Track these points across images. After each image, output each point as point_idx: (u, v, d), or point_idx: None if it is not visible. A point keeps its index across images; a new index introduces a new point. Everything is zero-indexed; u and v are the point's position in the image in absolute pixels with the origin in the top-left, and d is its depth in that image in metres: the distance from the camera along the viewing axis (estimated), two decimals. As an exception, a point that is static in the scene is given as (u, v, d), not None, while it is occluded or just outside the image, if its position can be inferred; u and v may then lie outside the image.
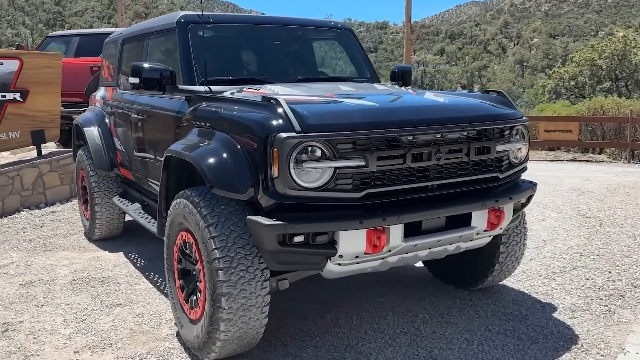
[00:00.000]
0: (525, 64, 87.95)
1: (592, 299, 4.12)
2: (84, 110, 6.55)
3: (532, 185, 3.66)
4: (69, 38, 11.03)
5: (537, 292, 4.24)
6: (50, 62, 8.30)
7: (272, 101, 2.91)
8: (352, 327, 3.67)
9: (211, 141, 3.16)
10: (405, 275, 4.66)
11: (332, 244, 2.87)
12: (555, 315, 3.85)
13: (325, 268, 3.00)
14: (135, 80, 3.82)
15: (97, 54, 7.74)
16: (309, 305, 3.99)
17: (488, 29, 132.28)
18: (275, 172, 2.76)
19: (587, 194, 7.82)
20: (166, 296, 4.08)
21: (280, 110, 2.84)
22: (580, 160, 12.64)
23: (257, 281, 2.98)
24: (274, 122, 2.81)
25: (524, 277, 4.56)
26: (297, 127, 2.76)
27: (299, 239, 2.82)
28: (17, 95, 7.83)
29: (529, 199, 3.65)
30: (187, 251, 3.27)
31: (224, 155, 2.99)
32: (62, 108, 8.91)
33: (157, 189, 3.87)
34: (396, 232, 2.96)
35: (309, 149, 2.76)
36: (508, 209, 3.39)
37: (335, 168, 2.80)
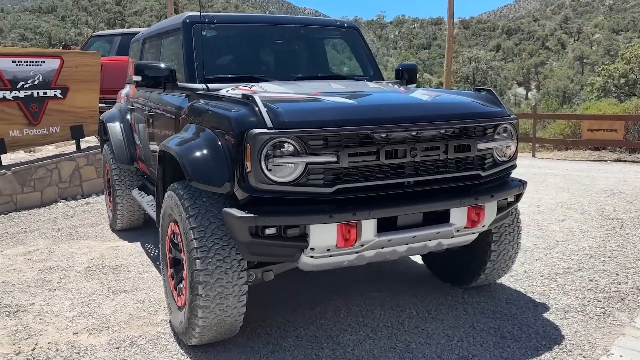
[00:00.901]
0: (585, 60, 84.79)
1: (589, 301, 4.05)
2: None
3: (521, 183, 3.63)
4: (112, 37, 11.53)
5: (533, 292, 4.20)
6: (89, 61, 8.75)
7: (249, 99, 3.03)
8: (338, 319, 3.75)
9: (197, 136, 3.32)
10: (404, 272, 4.71)
11: (303, 237, 2.97)
12: (546, 315, 3.81)
13: (300, 260, 3.11)
14: (138, 78, 4.03)
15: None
16: (301, 298, 4.10)
17: (547, 24, 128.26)
18: (248, 166, 2.89)
19: (618, 195, 7.58)
20: (169, 284, 4.28)
21: (255, 108, 2.96)
22: (625, 161, 12.18)
23: (234, 271, 3.11)
24: (248, 119, 2.93)
25: (524, 276, 4.52)
26: (269, 124, 2.87)
27: (270, 231, 2.93)
28: (58, 92, 8.29)
29: (517, 197, 3.63)
30: (176, 241, 3.45)
31: (205, 150, 3.14)
32: (102, 104, 9.35)
33: None
34: (368, 227, 3.02)
35: (281, 144, 2.87)
36: (490, 206, 3.39)
37: (307, 163, 2.90)
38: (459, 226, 3.31)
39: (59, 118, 8.32)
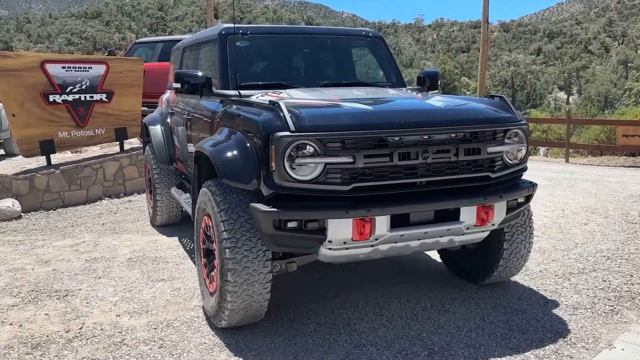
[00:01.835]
0: (629, 64, 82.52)
1: (599, 299, 4.22)
2: None
3: (531, 185, 3.85)
4: (154, 44, 12.08)
5: (545, 290, 4.40)
6: (133, 67, 9.25)
7: (275, 105, 3.36)
8: (356, 309, 4.04)
9: (229, 139, 3.66)
10: (424, 269, 4.96)
11: (322, 231, 3.27)
12: (555, 311, 4.01)
13: (319, 252, 3.41)
14: (178, 85, 4.41)
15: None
16: (324, 290, 4.40)
17: (590, 27, 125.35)
18: (273, 166, 3.21)
19: (645, 201, 7.62)
20: (203, 275, 4.65)
21: (280, 113, 3.28)
22: (661, 167, 12.07)
23: (260, 260, 3.43)
24: (274, 123, 3.25)
25: (539, 275, 4.71)
26: (292, 127, 3.18)
27: (292, 224, 3.25)
28: (104, 96, 8.80)
29: (527, 198, 3.85)
30: (209, 233, 3.80)
31: (235, 151, 3.47)
32: (145, 108, 9.85)
33: None
34: (382, 222, 3.30)
35: (302, 146, 3.18)
36: (499, 206, 3.62)
37: (326, 164, 3.20)
38: (469, 224, 3.55)
39: (104, 121, 8.82)
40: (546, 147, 15.43)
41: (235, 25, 4.71)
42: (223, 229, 3.41)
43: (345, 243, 3.32)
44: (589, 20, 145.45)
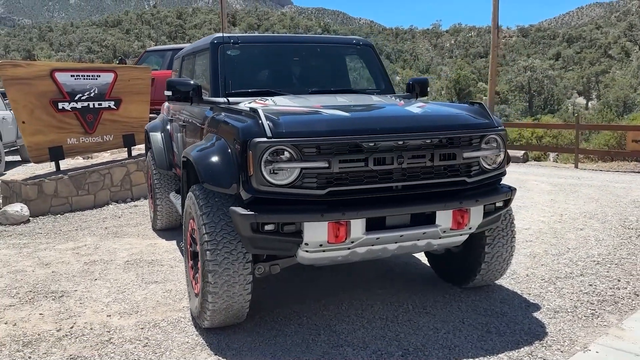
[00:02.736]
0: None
1: (581, 303, 4.26)
2: None
3: (510, 190, 3.91)
4: (164, 52, 12.33)
5: (529, 294, 4.44)
6: (141, 75, 9.48)
7: (254, 112, 3.48)
8: (339, 311, 4.13)
9: (213, 145, 3.79)
10: (412, 272, 5.03)
11: (299, 233, 3.38)
12: (536, 314, 4.05)
13: (297, 254, 3.52)
14: (169, 93, 4.56)
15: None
16: (310, 292, 4.50)
17: (610, 32, 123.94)
18: (251, 170, 3.32)
19: (646, 206, 7.59)
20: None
21: (258, 120, 3.40)
22: (672, 173, 11.95)
23: (240, 262, 3.54)
24: (252, 129, 3.37)
25: (525, 279, 4.76)
26: (269, 134, 3.30)
27: (269, 227, 3.36)
28: (112, 104, 9.03)
29: (505, 202, 3.91)
30: (194, 236, 3.92)
31: (217, 157, 3.60)
32: (152, 115, 10.05)
33: None
34: (357, 225, 3.40)
35: (279, 151, 3.30)
36: (476, 210, 3.69)
37: (302, 168, 3.31)
38: (445, 227, 3.62)
39: (112, 127, 9.05)
40: (556, 153, 15.34)
41: (227, 35, 4.85)
42: (204, 231, 3.53)
43: (321, 246, 3.41)
44: (609, 24, 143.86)
